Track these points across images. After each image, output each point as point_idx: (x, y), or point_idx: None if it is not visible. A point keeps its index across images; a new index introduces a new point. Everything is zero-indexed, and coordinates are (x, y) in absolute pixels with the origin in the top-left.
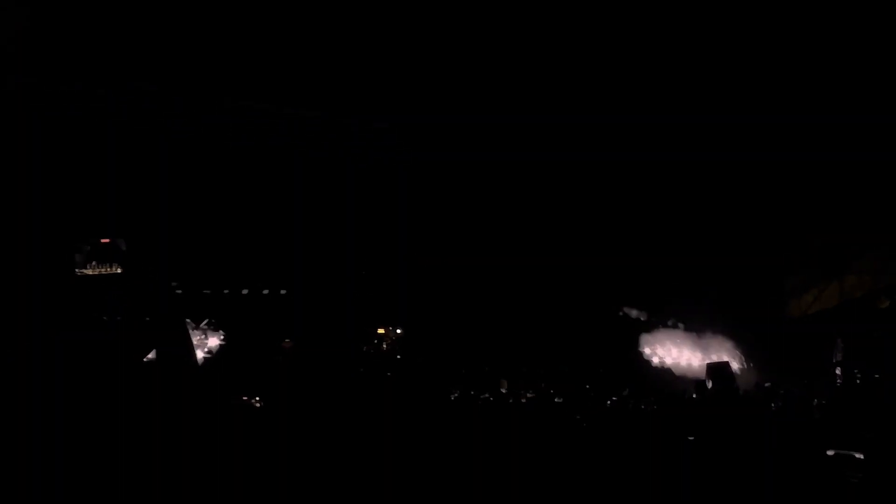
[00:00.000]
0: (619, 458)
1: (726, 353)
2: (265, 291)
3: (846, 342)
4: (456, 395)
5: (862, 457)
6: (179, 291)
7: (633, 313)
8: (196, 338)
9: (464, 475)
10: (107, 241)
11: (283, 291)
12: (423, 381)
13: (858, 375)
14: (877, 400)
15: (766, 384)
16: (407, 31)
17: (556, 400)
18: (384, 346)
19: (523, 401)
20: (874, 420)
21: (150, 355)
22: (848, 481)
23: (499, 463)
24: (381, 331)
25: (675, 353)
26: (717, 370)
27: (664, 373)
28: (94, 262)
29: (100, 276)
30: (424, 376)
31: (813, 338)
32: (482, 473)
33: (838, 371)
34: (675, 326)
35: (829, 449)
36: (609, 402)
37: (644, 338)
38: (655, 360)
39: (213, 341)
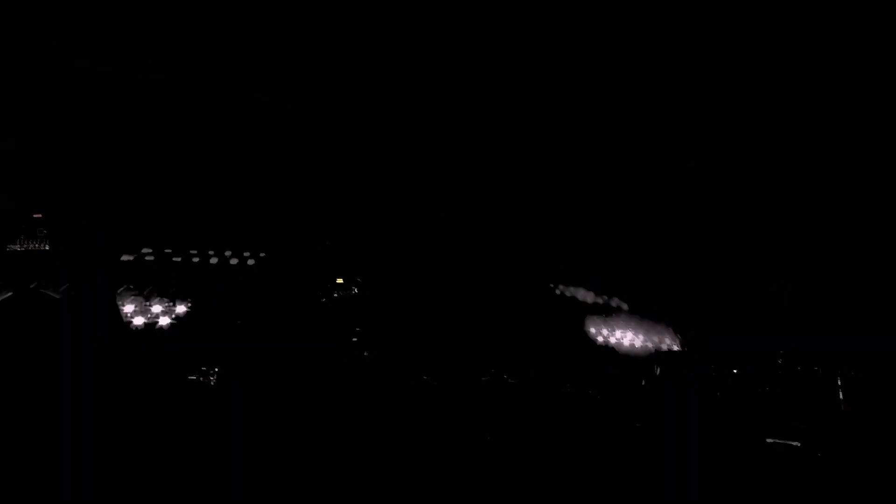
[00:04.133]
0: (565, 447)
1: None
2: (233, 261)
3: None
4: (426, 377)
5: (798, 444)
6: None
7: (579, 294)
8: (163, 305)
9: (432, 457)
10: (38, 215)
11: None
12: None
13: (798, 367)
14: (815, 391)
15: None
16: (406, 34)
17: (510, 381)
18: (340, 293)
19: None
20: (811, 411)
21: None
22: (783, 468)
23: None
24: (339, 280)
25: (623, 336)
26: (666, 356)
27: (611, 356)
28: (22, 238)
29: (28, 251)
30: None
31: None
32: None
33: (780, 361)
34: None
35: (767, 437)
36: (554, 390)
37: (590, 320)
38: (601, 341)
39: (181, 308)
